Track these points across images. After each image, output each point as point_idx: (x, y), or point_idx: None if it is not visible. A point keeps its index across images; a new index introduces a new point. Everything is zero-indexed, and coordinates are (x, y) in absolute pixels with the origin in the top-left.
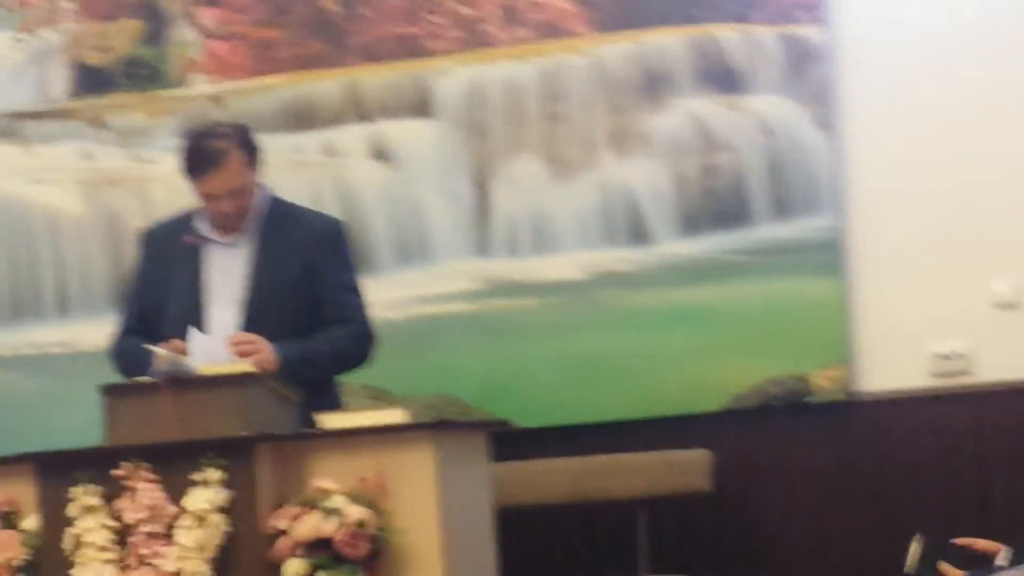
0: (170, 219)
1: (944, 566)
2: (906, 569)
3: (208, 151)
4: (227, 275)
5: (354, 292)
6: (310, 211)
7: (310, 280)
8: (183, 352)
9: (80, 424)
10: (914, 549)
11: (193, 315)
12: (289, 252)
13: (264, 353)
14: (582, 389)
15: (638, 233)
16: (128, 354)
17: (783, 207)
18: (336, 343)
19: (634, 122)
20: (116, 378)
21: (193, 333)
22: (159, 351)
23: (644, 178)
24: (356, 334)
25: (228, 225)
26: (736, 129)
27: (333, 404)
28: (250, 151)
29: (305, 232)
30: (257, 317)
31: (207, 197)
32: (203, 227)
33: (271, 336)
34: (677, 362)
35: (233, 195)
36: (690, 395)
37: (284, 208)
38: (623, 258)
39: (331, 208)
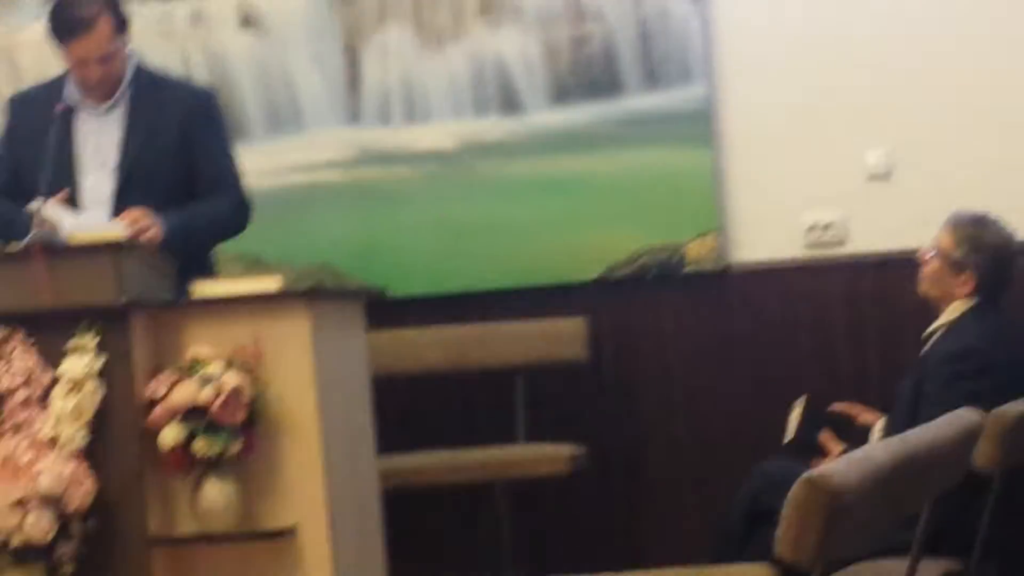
0: (39, 85)
1: (824, 435)
2: (786, 436)
3: (77, 16)
4: (99, 142)
5: (230, 160)
6: (181, 80)
7: (185, 148)
8: (67, 202)
9: None
10: (795, 415)
11: (64, 182)
12: (162, 120)
13: (154, 229)
14: (457, 258)
15: (509, 103)
16: (2, 217)
17: (654, 77)
18: (216, 213)
19: None
20: None
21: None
22: (39, 205)
23: (515, 48)
24: (234, 203)
25: (98, 92)
26: None
27: (208, 273)
28: (119, 17)
29: (178, 100)
30: (131, 185)
31: (76, 63)
32: (73, 94)
33: (146, 204)
34: (551, 232)
35: (102, 61)
36: (565, 265)
37: (155, 77)
38: (494, 128)
39: (201, 77)
